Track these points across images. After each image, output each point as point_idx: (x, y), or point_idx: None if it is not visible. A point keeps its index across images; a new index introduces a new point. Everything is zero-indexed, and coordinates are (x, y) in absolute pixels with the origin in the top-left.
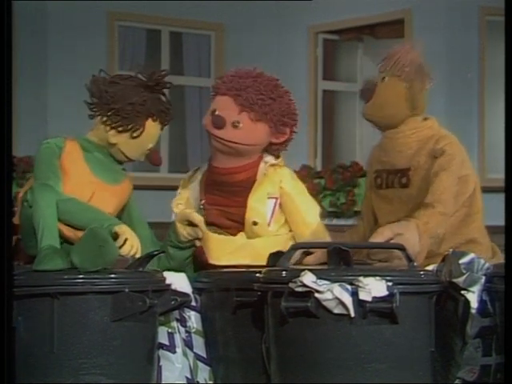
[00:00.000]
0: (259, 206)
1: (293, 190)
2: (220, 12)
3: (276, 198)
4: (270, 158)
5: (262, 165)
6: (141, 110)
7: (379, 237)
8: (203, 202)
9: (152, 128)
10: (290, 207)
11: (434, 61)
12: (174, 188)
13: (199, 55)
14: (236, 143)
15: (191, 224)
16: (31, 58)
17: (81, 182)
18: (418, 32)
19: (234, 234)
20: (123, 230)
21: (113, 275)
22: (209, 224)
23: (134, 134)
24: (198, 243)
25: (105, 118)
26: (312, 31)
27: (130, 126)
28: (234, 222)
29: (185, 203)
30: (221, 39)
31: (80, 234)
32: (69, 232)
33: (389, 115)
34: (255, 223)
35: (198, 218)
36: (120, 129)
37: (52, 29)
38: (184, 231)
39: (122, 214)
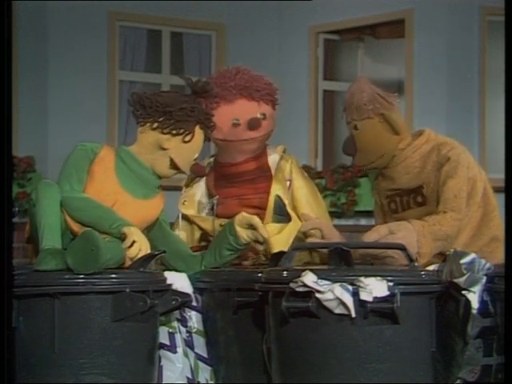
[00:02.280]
0: (281, 186)
1: (299, 178)
2: (221, 12)
3: (290, 181)
4: (273, 146)
5: (268, 150)
6: (191, 114)
7: (374, 234)
8: (217, 197)
9: (199, 136)
10: (297, 191)
11: (435, 61)
12: (175, 188)
13: (200, 55)
14: (269, 132)
15: (251, 227)
16: (31, 58)
17: (105, 190)
18: (418, 32)
19: None
20: (132, 231)
21: (114, 275)
22: (227, 217)
23: (186, 139)
24: (259, 246)
25: (156, 124)
26: (313, 31)
27: (182, 130)
28: (254, 209)
29: (189, 201)
30: (222, 39)
31: None
32: (79, 229)
33: (381, 155)
34: (279, 197)
35: (259, 222)
36: (174, 132)
37: (52, 29)
38: (244, 234)
39: (152, 230)
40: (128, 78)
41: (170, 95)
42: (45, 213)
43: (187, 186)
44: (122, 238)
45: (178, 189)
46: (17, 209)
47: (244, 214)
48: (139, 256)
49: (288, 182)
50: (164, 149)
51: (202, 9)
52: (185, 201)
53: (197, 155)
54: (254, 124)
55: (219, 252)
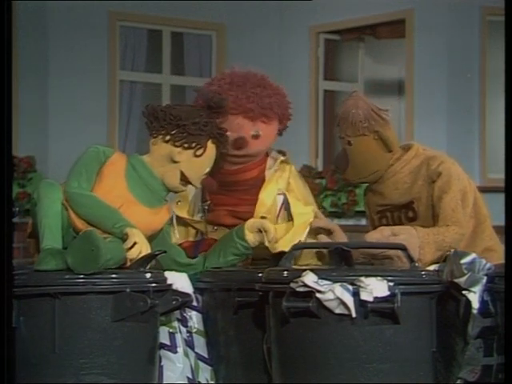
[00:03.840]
0: (269, 200)
1: (298, 189)
2: (221, 12)
3: (284, 194)
4: (276, 154)
5: (269, 161)
6: (204, 129)
7: (377, 234)
8: (208, 202)
9: (210, 150)
10: (292, 203)
11: (435, 61)
12: None
13: (200, 55)
14: (259, 151)
15: (260, 231)
16: (32, 58)
17: (113, 192)
18: (419, 32)
19: None
20: (134, 232)
21: (114, 275)
22: (217, 224)
23: (198, 153)
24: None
25: (168, 137)
26: (313, 31)
27: (194, 144)
28: (241, 220)
29: (184, 201)
30: (222, 39)
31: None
32: (83, 226)
33: (374, 172)
34: (263, 218)
35: (270, 227)
36: (186, 145)
37: (53, 29)
38: (252, 238)
39: (154, 240)
40: (128, 78)
41: (184, 109)
42: (45, 212)
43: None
44: (124, 238)
45: None
46: (17, 209)
47: (255, 219)
48: (139, 257)
49: (282, 197)
50: (175, 161)
51: (203, 9)
52: (179, 201)
53: (208, 169)
54: (238, 143)
55: (224, 255)
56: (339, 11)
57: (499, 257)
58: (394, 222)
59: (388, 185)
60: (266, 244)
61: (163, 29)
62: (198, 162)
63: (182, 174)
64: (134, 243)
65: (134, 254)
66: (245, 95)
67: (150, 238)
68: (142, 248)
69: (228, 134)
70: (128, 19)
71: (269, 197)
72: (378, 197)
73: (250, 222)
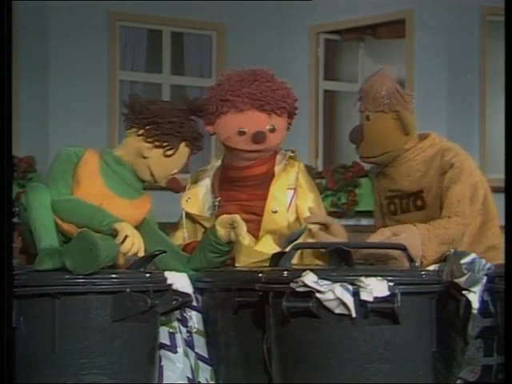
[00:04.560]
0: (280, 195)
1: (306, 184)
2: (221, 12)
3: (294, 189)
4: (285, 151)
5: (278, 157)
6: (179, 130)
7: (379, 236)
8: (219, 199)
9: (183, 152)
10: (301, 200)
11: (436, 61)
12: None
13: (200, 55)
14: (276, 145)
15: (232, 227)
16: (32, 58)
17: (91, 192)
18: (419, 32)
19: (253, 228)
20: (123, 226)
21: (114, 275)
22: None
23: (168, 153)
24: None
25: (142, 131)
26: (313, 31)
27: (165, 143)
28: (253, 215)
29: (193, 198)
30: (222, 39)
31: None
32: (70, 228)
33: (387, 152)
34: (275, 211)
35: (240, 221)
36: (157, 143)
37: (53, 29)
38: (224, 233)
39: (139, 230)
40: (128, 78)
41: (165, 106)
42: (38, 214)
43: (193, 182)
44: (114, 234)
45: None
46: (17, 209)
47: (226, 215)
48: (133, 250)
49: (292, 191)
50: (144, 157)
51: (203, 9)
52: (188, 198)
53: (176, 170)
54: (258, 138)
55: (204, 255)
56: (339, 11)
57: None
58: (402, 209)
59: (400, 170)
60: (239, 238)
61: (163, 29)
62: (167, 162)
63: (149, 170)
64: (126, 237)
65: (126, 247)
66: (258, 90)
67: (136, 229)
68: (134, 240)
69: (245, 130)
70: (128, 19)
71: (280, 191)
72: (389, 181)
73: (221, 218)
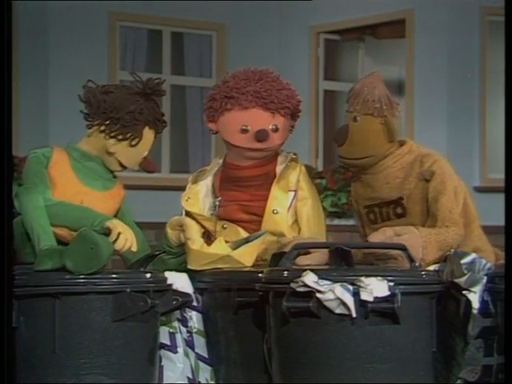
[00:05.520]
0: (281, 195)
1: (307, 187)
2: (221, 12)
3: (295, 191)
4: (287, 153)
5: (280, 158)
6: (139, 118)
7: (380, 235)
8: (220, 198)
9: (148, 135)
10: (301, 203)
11: (436, 61)
12: (176, 188)
13: (201, 55)
14: (279, 144)
15: (182, 229)
16: (32, 58)
17: (69, 192)
18: (419, 32)
19: (253, 229)
20: (115, 224)
21: (114, 275)
22: (228, 220)
23: (133, 143)
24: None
25: (103, 127)
26: (313, 31)
27: (128, 135)
28: (253, 216)
29: (194, 198)
30: (222, 39)
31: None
32: (62, 232)
33: (370, 156)
34: (276, 212)
35: (188, 223)
36: (120, 137)
37: (53, 29)
38: (173, 236)
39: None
40: (129, 78)
41: (120, 96)
42: (33, 215)
43: (193, 182)
44: (107, 233)
45: (181, 189)
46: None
47: (176, 217)
48: (126, 246)
49: (293, 193)
50: (111, 153)
51: (203, 9)
52: (188, 197)
53: (146, 153)
54: (261, 135)
55: (161, 256)
56: (339, 11)
57: (487, 256)
58: (382, 218)
59: (379, 178)
60: (187, 242)
61: (163, 29)
62: (134, 151)
63: (118, 161)
64: (119, 234)
65: (120, 244)
66: (263, 88)
67: None
68: (127, 236)
69: (248, 128)
70: (128, 19)
71: (281, 191)
72: (368, 189)
73: (171, 220)
